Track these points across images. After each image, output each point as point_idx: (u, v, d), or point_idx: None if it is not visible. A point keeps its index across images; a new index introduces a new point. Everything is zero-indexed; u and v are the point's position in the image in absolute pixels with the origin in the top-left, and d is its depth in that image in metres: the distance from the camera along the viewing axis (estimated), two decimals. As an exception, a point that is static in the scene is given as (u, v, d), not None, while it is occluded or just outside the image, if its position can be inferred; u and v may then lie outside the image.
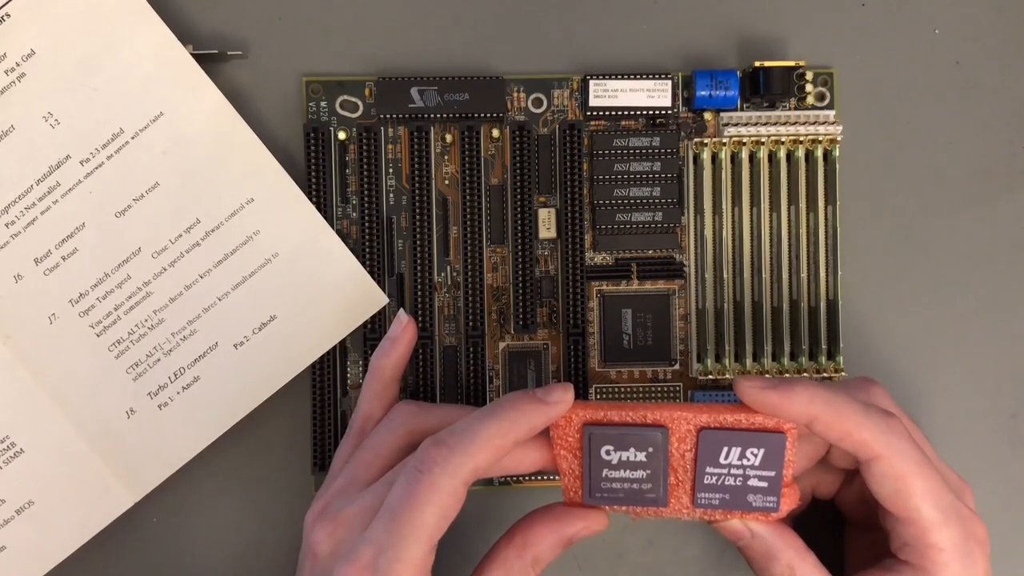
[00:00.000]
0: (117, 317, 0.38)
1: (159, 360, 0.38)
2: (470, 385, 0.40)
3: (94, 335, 0.38)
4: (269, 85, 0.41)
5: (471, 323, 0.40)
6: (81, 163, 0.38)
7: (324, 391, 0.40)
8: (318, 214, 0.39)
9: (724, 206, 0.41)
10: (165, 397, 0.38)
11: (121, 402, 0.38)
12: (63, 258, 0.38)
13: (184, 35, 0.39)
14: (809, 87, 0.41)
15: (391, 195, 0.41)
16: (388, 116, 0.40)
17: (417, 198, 0.40)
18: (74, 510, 0.38)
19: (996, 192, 0.43)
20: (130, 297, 0.38)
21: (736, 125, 0.41)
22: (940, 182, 0.43)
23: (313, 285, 0.39)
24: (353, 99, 0.41)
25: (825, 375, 0.41)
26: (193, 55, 0.38)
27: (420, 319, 0.40)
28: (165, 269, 0.38)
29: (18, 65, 0.38)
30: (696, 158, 0.41)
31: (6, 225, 0.38)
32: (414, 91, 0.40)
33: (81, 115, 0.38)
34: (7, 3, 0.37)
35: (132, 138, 0.38)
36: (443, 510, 0.31)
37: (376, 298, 0.40)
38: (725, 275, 0.41)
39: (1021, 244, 0.43)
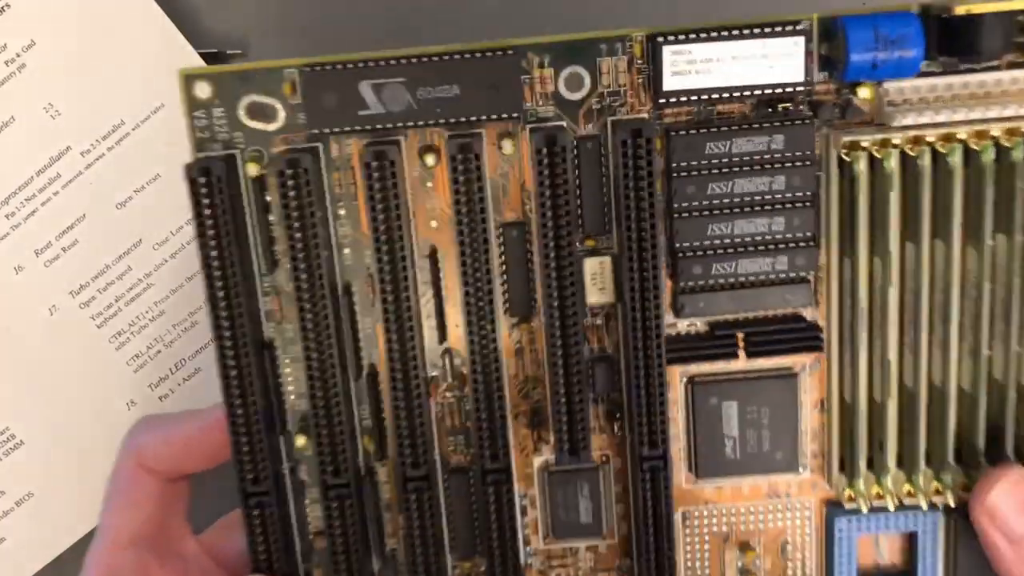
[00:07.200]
0: (118, 309, 0.39)
1: (160, 352, 0.39)
2: (493, 525, 0.28)
3: (95, 326, 0.39)
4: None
5: (486, 440, 0.27)
6: (82, 154, 0.38)
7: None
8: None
9: (890, 242, 0.27)
10: (166, 389, 0.39)
11: (122, 394, 0.39)
12: (63, 249, 0.38)
13: (184, 35, 0.39)
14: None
15: (345, 251, 0.28)
16: (326, 132, 0.26)
17: (386, 252, 0.26)
18: (74, 502, 0.39)
19: None
20: (131, 289, 0.39)
21: (914, 109, 0.26)
22: None
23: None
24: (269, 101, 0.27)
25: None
26: (192, 54, 0.39)
27: (408, 442, 0.27)
28: (166, 260, 0.39)
29: (18, 56, 0.38)
30: (844, 166, 0.27)
31: (6, 216, 0.38)
32: (364, 86, 0.25)
33: (82, 106, 0.38)
34: (6, -6, 0.38)
35: (133, 129, 0.38)
36: (113, 504, 0.30)
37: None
38: (889, 347, 0.27)
39: None
